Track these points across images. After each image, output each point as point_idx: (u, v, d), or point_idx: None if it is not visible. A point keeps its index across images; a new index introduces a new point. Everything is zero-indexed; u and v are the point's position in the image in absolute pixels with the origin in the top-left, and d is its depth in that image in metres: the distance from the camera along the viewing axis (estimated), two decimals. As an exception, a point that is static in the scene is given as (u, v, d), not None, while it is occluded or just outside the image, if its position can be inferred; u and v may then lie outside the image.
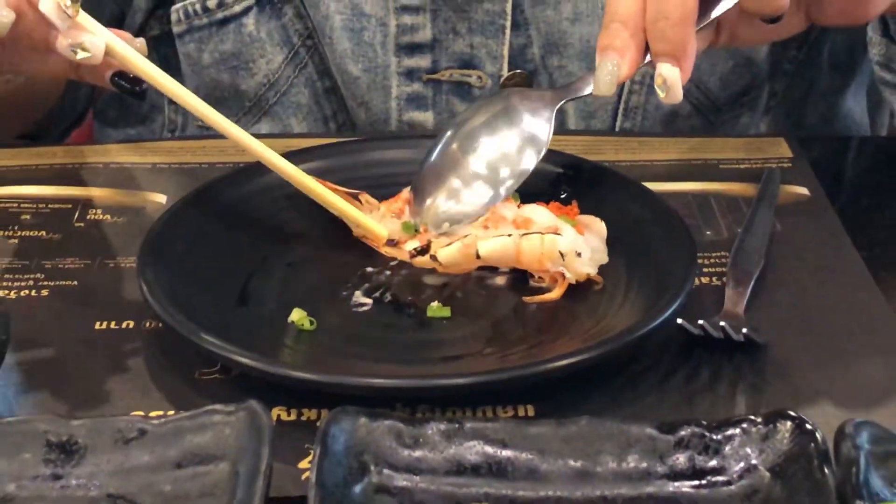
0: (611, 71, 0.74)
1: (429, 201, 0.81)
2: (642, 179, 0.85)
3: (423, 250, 0.78)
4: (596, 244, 0.77)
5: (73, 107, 1.09)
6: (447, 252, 0.78)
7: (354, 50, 1.00)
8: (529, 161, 0.80)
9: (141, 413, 0.67)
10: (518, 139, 0.80)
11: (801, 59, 1.07)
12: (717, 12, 0.76)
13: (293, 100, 1.04)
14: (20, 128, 1.06)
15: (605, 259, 0.77)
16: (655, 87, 0.74)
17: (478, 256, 0.77)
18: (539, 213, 0.78)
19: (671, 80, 0.73)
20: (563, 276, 0.75)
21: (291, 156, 0.82)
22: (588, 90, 0.79)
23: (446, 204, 0.80)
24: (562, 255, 0.75)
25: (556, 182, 0.85)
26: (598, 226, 0.79)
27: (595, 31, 1.00)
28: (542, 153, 0.79)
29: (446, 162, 0.81)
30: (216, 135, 1.04)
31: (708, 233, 0.84)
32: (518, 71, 1.01)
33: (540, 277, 0.77)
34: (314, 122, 1.05)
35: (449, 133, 0.82)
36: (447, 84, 1.02)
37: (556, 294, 0.75)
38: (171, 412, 0.65)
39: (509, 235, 0.77)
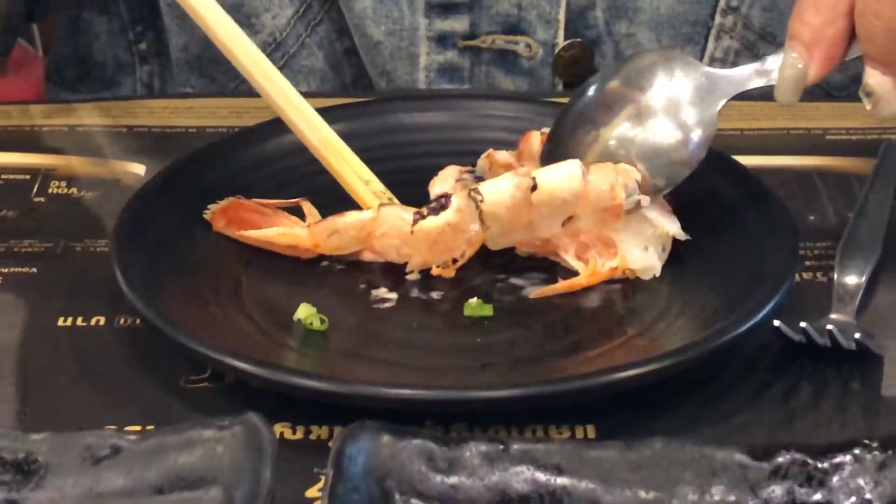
0: (794, 69, 0.73)
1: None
2: (731, 152, 0.85)
3: (443, 205, 0.75)
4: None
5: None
6: (494, 190, 0.75)
7: (376, 9, 1.00)
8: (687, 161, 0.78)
9: (114, 427, 0.67)
10: (681, 134, 0.78)
11: None
12: None
13: (304, 63, 1.04)
14: None
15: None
16: (861, 94, 0.73)
17: (534, 188, 0.74)
18: None
19: (880, 91, 0.72)
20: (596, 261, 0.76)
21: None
22: (758, 83, 0.77)
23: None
24: (638, 185, 0.75)
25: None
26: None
27: None
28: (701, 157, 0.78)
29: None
30: (204, 94, 1.05)
31: (812, 218, 0.84)
32: (577, 40, 1.01)
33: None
34: (330, 90, 1.05)
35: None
36: (488, 53, 1.02)
37: (585, 278, 0.76)
38: (151, 426, 0.65)
39: None
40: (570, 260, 0.77)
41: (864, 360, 0.71)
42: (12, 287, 0.78)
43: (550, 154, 0.79)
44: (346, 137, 0.83)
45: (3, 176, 0.89)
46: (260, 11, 1.03)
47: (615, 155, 0.78)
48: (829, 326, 0.71)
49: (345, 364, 0.72)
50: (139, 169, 0.90)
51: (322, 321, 0.73)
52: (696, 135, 0.77)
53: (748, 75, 0.77)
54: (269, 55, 1.02)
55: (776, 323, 0.71)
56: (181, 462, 0.60)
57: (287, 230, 0.78)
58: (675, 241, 0.79)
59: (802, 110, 0.96)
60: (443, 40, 1.01)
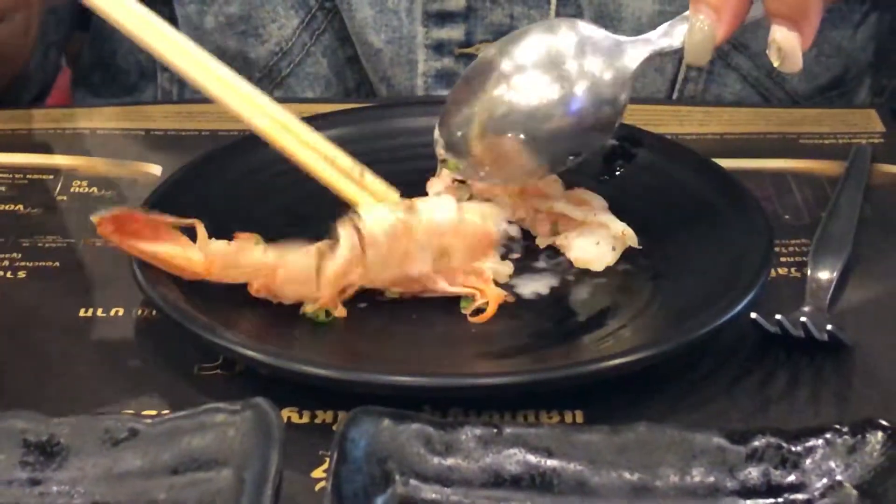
0: (703, 31, 0.71)
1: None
2: (711, 155, 0.85)
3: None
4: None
5: (42, 71, 1.08)
6: (374, 217, 0.72)
7: (376, 18, 1.00)
8: (597, 137, 0.76)
9: (132, 411, 0.67)
10: (589, 103, 0.75)
11: None
12: None
13: (309, 70, 1.04)
14: None
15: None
16: (767, 52, 0.71)
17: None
18: None
19: (787, 47, 0.71)
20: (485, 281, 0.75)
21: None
22: (673, 46, 0.74)
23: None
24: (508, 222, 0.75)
25: (611, 157, 0.85)
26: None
27: (649, 6, 0.99)
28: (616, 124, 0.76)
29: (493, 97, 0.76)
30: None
31: (786, 217, 0.84)
32: None
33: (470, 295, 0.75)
34: (334, 96, 1.06)
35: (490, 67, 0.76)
36: None
37: (491, 310, 0.74)
38: (167, 411, 0.65)
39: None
40: (446, 288, 0.75)
41: (835, 351, 0.71)
42: (36, 280, 0.78)
43: (444, 124, 0.77)
44: (349, 141, 0.82)
45: (27, 175, 0.89)
46: (266, 22, 1.03)
47: (518, 123, 0.75)
48: (803, 319, 0.71)
49: (348, 353, 0.72)
50: (155, 169, 0.90)
51: (327, 313, 0.73)
52: (608, 98, 0.75)
53: (655, 38, 0.74)
54: (275, 63, 1.03)
55: (753, 315, 0.71)
56: (194, 444, 0.60)
57: (181, 251, 0.72)
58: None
59: (778, 116, 0.97)
60: (440, 48, 1.01)
